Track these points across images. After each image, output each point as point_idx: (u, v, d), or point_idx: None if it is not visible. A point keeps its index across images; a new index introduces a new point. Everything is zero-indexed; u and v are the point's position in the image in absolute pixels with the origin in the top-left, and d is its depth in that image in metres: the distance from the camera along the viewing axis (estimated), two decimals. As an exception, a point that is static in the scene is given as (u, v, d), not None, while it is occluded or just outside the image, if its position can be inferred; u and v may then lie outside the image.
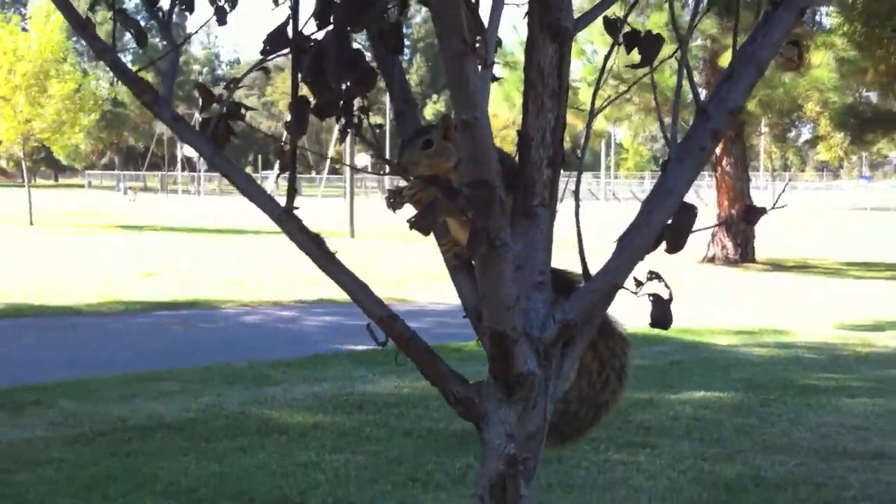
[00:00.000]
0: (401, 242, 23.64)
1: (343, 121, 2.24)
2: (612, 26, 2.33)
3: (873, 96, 24.45)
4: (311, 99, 2.16)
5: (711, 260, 22.86)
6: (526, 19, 2.24)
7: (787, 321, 12.89)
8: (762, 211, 2.30)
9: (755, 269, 21.97)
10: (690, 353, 10.04)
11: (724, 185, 23.39)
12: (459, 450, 5.96)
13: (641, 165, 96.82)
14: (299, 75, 2.14)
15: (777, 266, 22.55)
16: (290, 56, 2.17)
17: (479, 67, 1.89)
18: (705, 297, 15.37)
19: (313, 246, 2.25)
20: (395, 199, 2.35)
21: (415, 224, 1.94)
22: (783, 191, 2.95)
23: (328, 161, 65.13)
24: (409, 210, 2.30)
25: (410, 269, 17.32)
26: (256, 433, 6.28)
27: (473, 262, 2.30)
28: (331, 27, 2.06)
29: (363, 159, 47.90)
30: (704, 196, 53.55)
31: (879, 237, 33.28)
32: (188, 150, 67.44)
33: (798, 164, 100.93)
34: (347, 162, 31.80)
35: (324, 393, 7.54)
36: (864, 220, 45.06)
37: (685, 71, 2.29)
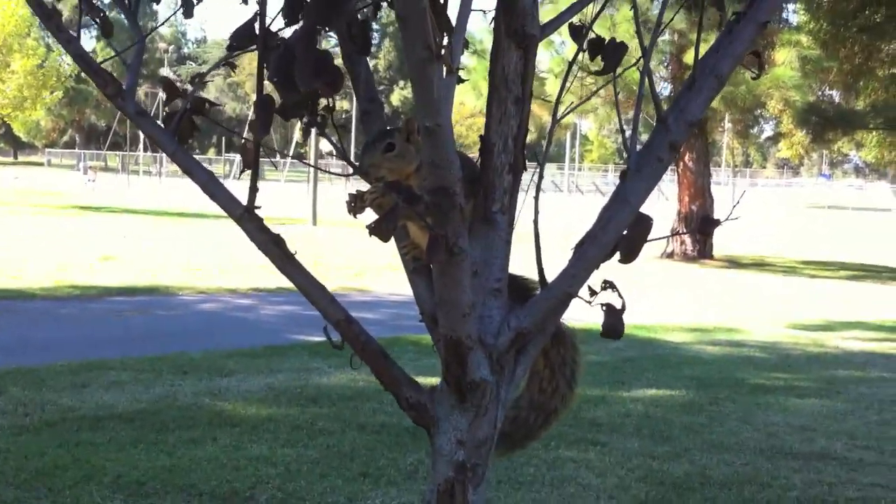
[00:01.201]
0: (363, 231, 23.57)
1: (307, 119, 2.23)
2: (576, 33, 2.34)
3: (836, 95, 24.77)
4: (276, 96, 2.15)
5: (670, 256, 23.10)
6: (492, 25, 2.24)
7: (741, 319, 13.06)
8: (717, 223, 2.33)
9: (713, 265, 22.23)
10: (644, 349, 10.14)
11: (685, 180, 23.61)
12: (412, 445, 5.98)
13: (606, 158, 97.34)
14: (265, 74, 2.13)
15: (734, 263, 22.82)
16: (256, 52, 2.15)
17: (444, 73, 1.89)
18: (661, 294, 15.53)
19: (273, 246, 2.26)
20: (355, 204, 2.34)
21: (374, 230, 1.95)
22: (739, 200, 2.98)
23: (292, 146, 64.75)
24: (370, 213, 2.31)
25: (371, 259, 17.30)
26: (208, 425, 6.25)
27: (432, 267, 2.31)
28: (299, 25, 2.04)
29: (328, 146, 47.66)
30: (665, 191, 53.97)
31: (836, 236, 33.79)
32: (150, 131, 66.85)
33: (759, 161, 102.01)
34: (312, 149, 31.66)
35: (279, 385, 7.52)
36: (822, 218, 45.69)
37: (647, 81, 2.31)
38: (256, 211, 2.25)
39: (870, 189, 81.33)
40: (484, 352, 2.20)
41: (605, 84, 2.54)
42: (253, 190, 2.20)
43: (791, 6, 22.49)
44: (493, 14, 2.25)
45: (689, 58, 20.12)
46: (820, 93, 24.05)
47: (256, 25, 2.12)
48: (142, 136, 70.43)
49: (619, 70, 2.34)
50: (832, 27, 19.87)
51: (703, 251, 23.27)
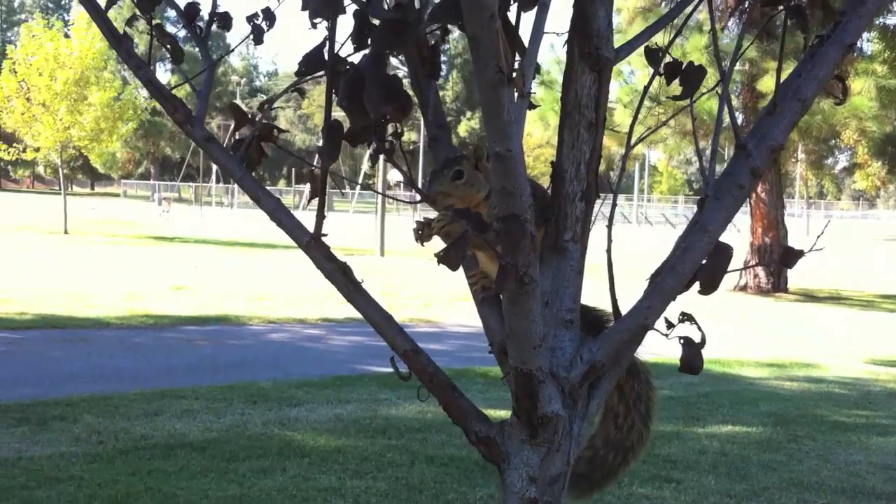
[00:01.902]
0: (431, 261, 23.61)
1: (375, 145, 2.20)
2: (653, 56, 2.28)
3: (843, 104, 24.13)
4: (344, 122, 2.13)
5: (743, 289, 22.64)
6: (565, 48, 2.19)
7: (818, 354, 12.71)
8: (800, 254, 2.23)
9: (787, 299, 21.73)
10: (719, 384, 9.91)
11: (758, 211, 23.18)
12: (481, 479, 5.90)
13: (675, 189, 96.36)
14: (333, 100, 2.10)
15: (809, 296, 22.28)
16: (325, 78, 2.13)
17: (515, 97, 1.83)
18: (735, 327, 15.20)
19: (340, 274, 2.22)
20: (423, 232, 2.30)
21: (443, 259, 1.88)
22: (822, 232, 2.86)
23: (361, 176, 65.40)
24: (437, 242, 2.26)
25: (439, 290, 17.28)
26: (278, 455, 6.25)
27: (501, 297, 2.25)
28: (368, 50, 2.01)
29: (396, 175, 47.98)
30: (737, 222, 53.15)
31: (864, 262, 32.82)
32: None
33: (834, 192, 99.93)
34: (379, 179, 31.90)
35: (347, 415, 7.50)
36: (899, 250, 44.49)
37: (726, 107, 2.24)
38: (323, 238, 2.21)
39: (890, 217, 79.15)
40: (556, 385, 2.13)
41: (681, 110, 2.47)
42: (320, 217, 2.17)
43: (865, 34, 22.06)
44: (566, 37, 2.20)
45: (763, 85, 19.81)
46: (896, 123, 23.50)
47: (326, 50, 2.09)
48: (214, 167, 71.47)
49: (695, 96, 2.26)
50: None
51: (777, 284, 22.76)
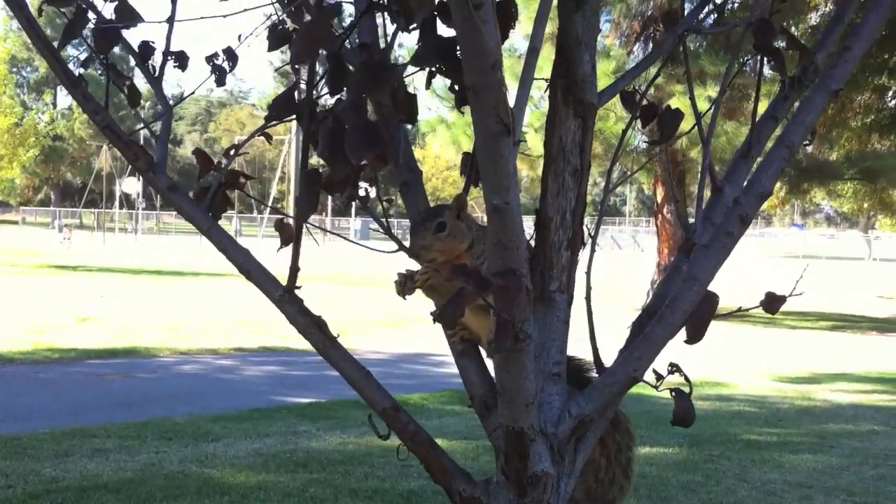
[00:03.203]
0: (344, 286, 23.50)
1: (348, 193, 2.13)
2: (629, 100, 2.26)
3: (809, 147, 25.04)
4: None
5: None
6: (546, 93, 2.16)
7: (725, 372, 13.01)
8: (782, 299, 2.22)
9: (696, 317, 22.20)
10: (634, 406, 10.03)
11: (664, 232, 23.72)
12: (406, 511, 5.84)
13: (640, 210, 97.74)
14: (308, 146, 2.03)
15: (714, 315, 22.80)
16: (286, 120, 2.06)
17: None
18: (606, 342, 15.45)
19: (315, 330, 2.14)
20: (406, 285, 2.23)
21: (440, 317, 1.82)
22: (801, 275, 2.81)
23: (270, 200, 64.67)
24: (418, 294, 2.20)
25: (352, 316, 17.17)
26: (197, 494, 6.08)
27: (483, 351, 2.20)
28: (345, 95, 1.95)
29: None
30: (641, 242, 54.22)
31: (813, 285, 33.91)
32: (127, 187, 66.46)
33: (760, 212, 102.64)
34: (290, 206, 31.58)
35: (267, 450, 7.36)
36: (797, 268, 45.98)
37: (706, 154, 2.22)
38: (297, 291, 2.13)
39: (842, 238, 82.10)
40: (545, 442, 2.07)
41: (656, 155, 2.44)
42: (294, 270, 2.09)
43: (766, 58, 22.75)
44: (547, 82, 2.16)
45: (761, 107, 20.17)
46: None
47: (301, 94, 2.02)
48: (117, 192, 69.57)
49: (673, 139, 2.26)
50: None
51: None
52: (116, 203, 71.71)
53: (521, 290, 1.81)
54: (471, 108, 1.67)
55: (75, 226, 67.99)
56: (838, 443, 8.42)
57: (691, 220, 2.29)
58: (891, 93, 22.72)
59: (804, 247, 59.51)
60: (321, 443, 7.70)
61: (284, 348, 13.81)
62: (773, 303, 2.16)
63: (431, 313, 1.84)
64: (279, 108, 2.05)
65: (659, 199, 23.77)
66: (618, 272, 30.31)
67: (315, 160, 2.12)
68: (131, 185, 65.79)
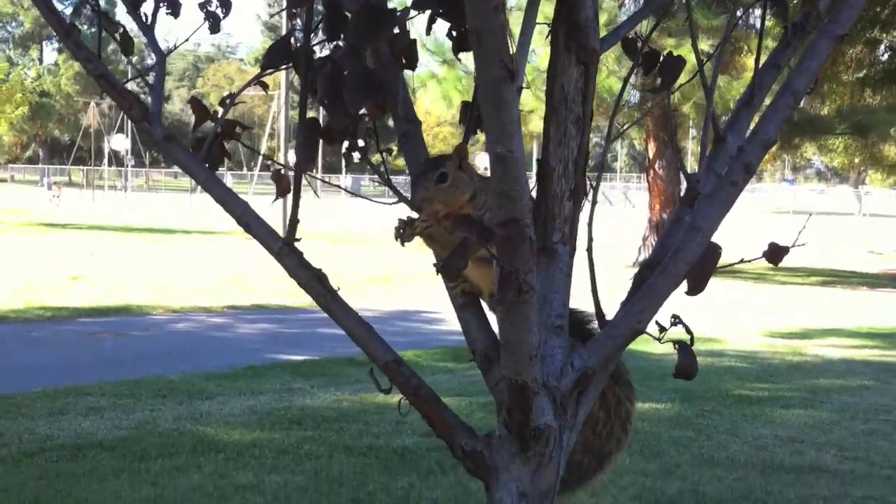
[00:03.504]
0: (334, 243, 23.45)
1: (348, 144, 2.08)
2: (630, 47, 2.21)
3: (802, 101, 24.95)
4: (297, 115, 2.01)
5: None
6: (548, 40, 2.10)
7: (717, 328, 13.06)
8: (785, 250, 2.19)
9: (685, 272, 22.26)
10: (627, 362, 10.03)
11: (655, 188, 23.68)
12: (401, 468, 5.88)
13: (631, 166, 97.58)
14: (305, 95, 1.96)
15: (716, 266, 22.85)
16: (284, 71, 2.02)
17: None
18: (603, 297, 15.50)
19: (315, 283, 2.11)
20: (404, 231, 2.20)
21: (444, 269, 1.80)
22: (804, 227, 2.76)
23: (260, 158, 64.31)
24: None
25: (343, 273, 17.15)
26: (192, 452, 6.11)
27: (485, 304, 2.17)
28: (340, 42, 1.90)
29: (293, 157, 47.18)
30: (632, 199, 54.21)
31: (803, 241, 33.98)
32: (116, 144, 65.99)
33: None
34: (280, 160, 31.44)
35: (261, 407, 7.38)
36: (787, 223, 46.07)
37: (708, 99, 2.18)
38: (298, 243, 2.10)
39: (832, 193, 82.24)
40: (548, 395, 2.05)
41: (659, 101, 2.37)
42: (293, 222, 2.05)
43: (758, 11, 22.60)
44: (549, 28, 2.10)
45: (750, 62, 20.03)
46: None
47: (302, 40, 1.95)
48: (106, 149, 68.99)
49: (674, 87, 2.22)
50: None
51: (674, 259, 23.34)
52: (105, 160, 71.29)
53: (525, 241, 1.77)
54: (473, 53, 1.61)
55: (64, 183, 67.62)
56: (829, 398, 8.49)
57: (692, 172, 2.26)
58: (883, 46, 22.62)
59: (795, 202, 59.60)
60: (315, 400, 7.72)
61: (277, 306, 13.81)
62: (776, 254, 2.14)
63: (434, 265, 1.82)
64: (275, 56, 1.99)
65: (651, 155, 23.70)
66: (609, 228, 30.32)
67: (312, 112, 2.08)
68: (120, 142, 65.34)
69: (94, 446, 6.18)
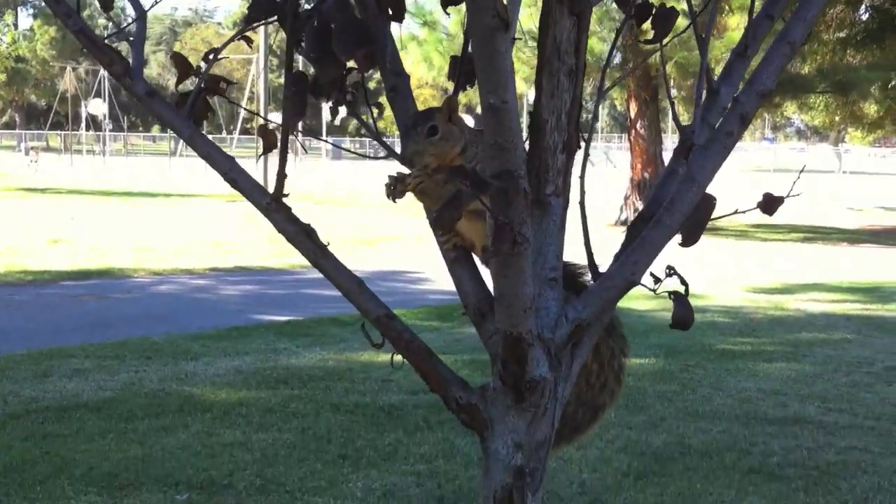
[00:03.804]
0: (317, 205, 23.35)
1: (334, 97, 2.03)
2: None
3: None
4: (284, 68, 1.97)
5: (624, 223, 23.17)
6: None
7: (699, 284, 13.11)
8: (780, 200, 2.17)
9: (667, 231, 22.34)
10: (610, 318, 10.12)
11: (637, 148, 23.67)
12: (388, 425, 5.90)
13: (612, 127, 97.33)
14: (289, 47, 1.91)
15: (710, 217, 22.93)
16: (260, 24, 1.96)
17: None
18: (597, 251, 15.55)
19: (304, 238, 2.07)
20: (395, 188, 2.16)
21: (437, 220, 1.76)
22: (796, 179, 2.73)
23: (239, 121, 63.83)
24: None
25: (325, 234, 17.05)
26: (178, 412, 6.10)
27: (477, 258, 2.15)
28: None
29: (278, 118, 46.89)
30: (614, 158, 54.19)
31: (793, 194, 34.12)
32: (93, 108, 65.28)
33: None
34: (263, 117, 31.16)
35: (247, 367, 7.38)
36: (768, 181, 46.23)
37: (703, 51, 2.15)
38: (285, 199, 2.06)
39: (812, 151, 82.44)
40: (542, 347, 2.03)
41: (650, 55, 2.33)
42: (281, 177, 2.01)
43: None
44: None
45: (732, 22, 19.92)
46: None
47: None
48: (84, 114, 68.22)
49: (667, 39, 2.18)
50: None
51: (656, 217, 23.42)
52: (83, 125, 70.51)
53: (520, 192, 1.74)
54: (466, 3, 1.59)
55: (42, 148, 66.90)
56: (811, 351, 8.56)
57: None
58: (863, 6, 22.60)
59: (775, 160, 59.79)
60: (301, 359, 7.73)
61: (260, 267, 13.77)
62: (770, 204, 2.12)
63: (429, 217, 1.79)
64: (259, 9, 1.95)
65: (632, 115, 23.65)
66: (591, 188, 30.29)
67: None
68: (97, 107, 64.62)
69: (80, 407, 6.16)
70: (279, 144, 1.99)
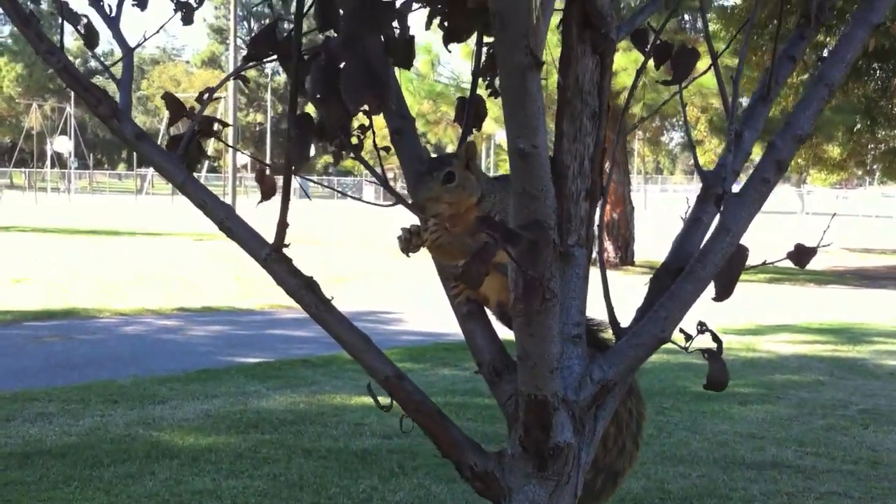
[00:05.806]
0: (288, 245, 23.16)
1: (338, 141, 1.94)
2: (640, 39, 2.10)
3: (746, 102, 25.27)
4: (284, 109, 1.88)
5: (593, 263, 23.22)
6: (559, 29, 1.98)
7: (672, 325, 13.11)
8: (813, 252, 2.08)
9: (634, 271, 22.39)
10: (583, 360, 10.06)
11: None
12: (362, 470, 5.76)
13: (639, 169, 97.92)
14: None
15: (655, 268, 23.01)
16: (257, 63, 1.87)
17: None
18: (590, 302, 15.52)
19: (306, 291, 1.93)
20: (411, 241, 2.03)
21: (465, 275, 1.62)
22: (829, 225, 2.62)
23: (206, 160, 63.47)
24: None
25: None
26: (145, 458, 5.92)
27: (490, 311, 2.04)
28: (340, 32, 1.74)
29: (243, 159, 46.92)
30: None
31: (749, 238, 34.44)
32: (58, 146, 64.74)
33: (669, 167, 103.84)
34: (230, 162, 31.02)
35: (216, 411, 7.20)
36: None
37: (726, 94, 2.09)
38: (285, 251, 1.93)
39: (775, 192, 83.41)
40: (567, 410, 1.92)
41: (673, 95, 2.24)
42: (282, 227, 1.90)
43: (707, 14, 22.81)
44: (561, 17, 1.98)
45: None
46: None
47: (291, 34, 1.80)
48: (49, 151, 67.64)
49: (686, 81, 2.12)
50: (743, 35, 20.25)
51: (625, 258, 23.48)
52: (48, 162, 69.85)
53: (549, 245, 1.64)
54: (495, 39, 1.49)
55: (6, 186, 66.13)
56: (786, 393, 8.53)
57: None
58: (825, 51, 22.96)
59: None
60: (271, 403, 7.56)
61: (228, 307, 13.56)
62: (802, 256, 2.04)
63: (439, 272, 1.68)
64: (260, 46, 1.85)
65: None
66: (559, 228, 30.35)
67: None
68: (63, 144, 64.13)
69: (44, 453, 5.96)
70: (282, 191, 1.88)
